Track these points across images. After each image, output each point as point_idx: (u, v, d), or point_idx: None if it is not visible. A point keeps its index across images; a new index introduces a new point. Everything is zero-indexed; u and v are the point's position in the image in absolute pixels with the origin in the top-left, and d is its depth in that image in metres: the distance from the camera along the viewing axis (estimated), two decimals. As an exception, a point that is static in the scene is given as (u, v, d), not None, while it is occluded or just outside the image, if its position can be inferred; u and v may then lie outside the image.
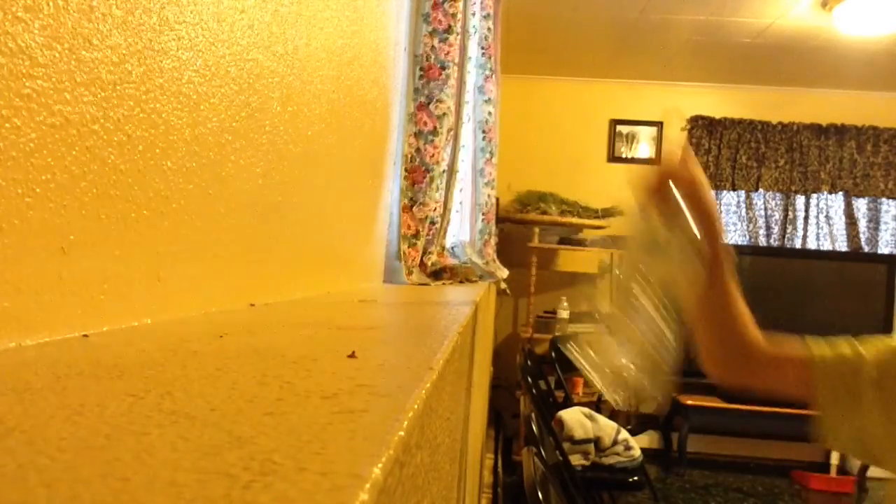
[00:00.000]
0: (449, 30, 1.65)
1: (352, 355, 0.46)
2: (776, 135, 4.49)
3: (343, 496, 0.20)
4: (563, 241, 4.08)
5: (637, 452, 2.64)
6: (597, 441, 2.58)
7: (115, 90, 0.49)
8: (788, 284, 4.17)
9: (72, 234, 0.46)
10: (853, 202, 4.47)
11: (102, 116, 0.48)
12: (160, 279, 0.57)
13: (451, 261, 1.92)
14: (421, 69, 1.63)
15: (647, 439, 4.37)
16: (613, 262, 4.29)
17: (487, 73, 2.54)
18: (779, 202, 4.51)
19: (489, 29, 2.50)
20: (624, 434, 2.65)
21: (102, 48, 0.47)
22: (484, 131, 2.58)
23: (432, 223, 1.68)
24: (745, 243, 4.45)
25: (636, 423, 3.76)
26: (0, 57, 0.38)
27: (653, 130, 4.57)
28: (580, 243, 4.08)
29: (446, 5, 1.65)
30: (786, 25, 3.41)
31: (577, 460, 2.46)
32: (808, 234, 4.49)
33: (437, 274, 1.70)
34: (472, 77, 2.45)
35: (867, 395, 0.82)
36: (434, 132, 1.62)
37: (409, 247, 1.59)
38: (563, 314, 3.89)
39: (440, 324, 0.76)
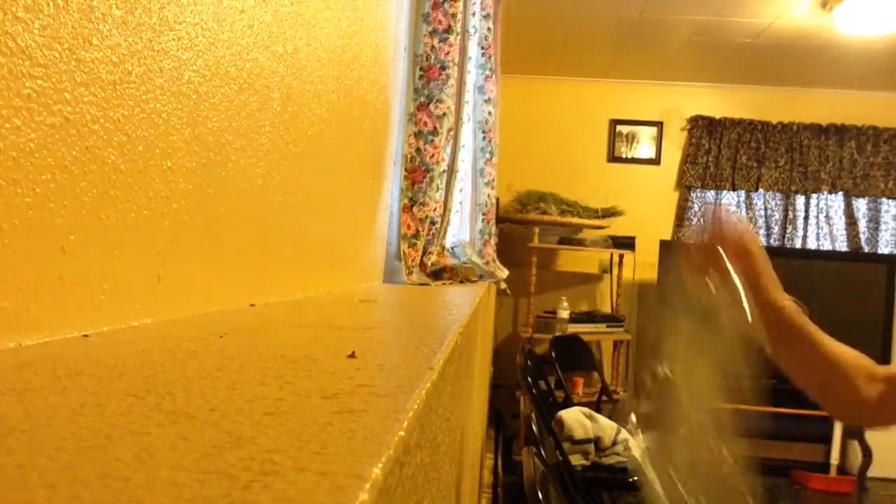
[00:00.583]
0: (449, 30, 1.65)
1: (352, 355, 0.46)
2: (776, 135, 4.49)
3: (343, 496, 0.20)
4: (563, 241, 4.08)
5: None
6: (597, 441, 2.58)
7: (115, 90, 0.49)
8: (788, 284, 4.15)
9: (72, 234, 0.45)
10: (853, 202, 4.47)
11: (102, 116, 0.48)
12: (160, 279, 0.57)
13: (451, 261, 1.92)
14: (421, 69, 1.63)
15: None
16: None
17: (487, 73, 2.54)
18: (779, 202, 4.51)
19: (489, 29, 2.50)
20: (624, 434, 2.64)
21: (102, 48, 0.47)
22: (484, 131, 2.58)
23: (432, 223, 1.68)
24: (745, 243, 4.45)
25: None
26: (0, 57, 0.38)
27: (653, 130, 4.57)
28: (580, 243, 4.08)
29: (446, 5, 1.65)
30: (786, 25, 3.41)
31: (577, 460, 2.45)
32: (808, 234, 4.49)
33: (437, 274, 1.70)
34: (472, 77, 2.45)
35: None
36: (434, 132, 1.62)
37: (409, 247, 1.59)
38: (563, 314, 3.89)
39: (440, 324, 0.76)
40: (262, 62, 0.74)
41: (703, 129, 4.50)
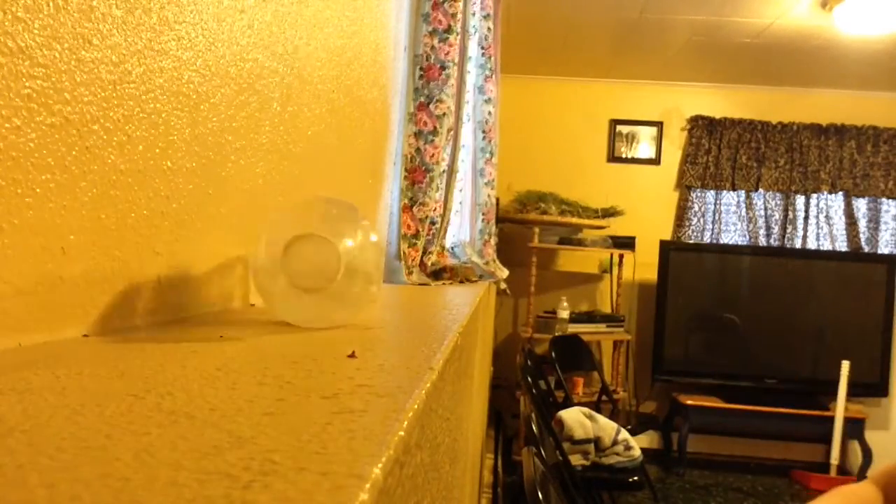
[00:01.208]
0: (449, 30, 1.65)
1: (352, 355, 0.46)
2: (776, 135, 4.49)
3: (343, 496, 0.20)
4: (563, 241, 4.08)
5: (637, 452, 2.64)
6: (597, 441, 2.58)
7: (115, 90, 0.49)
8: (788, 284, 4.17)
9: (72, 234, 0.45)
10: (853, 202, 4.47)
11: (102, 116, 0.48)
12: (160, 279, 0.57)
13: (451, 261, 1.92)
14: (421, 69, 1.63)
15: (647, 439, 4.37)
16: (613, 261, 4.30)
17: (487, 72, 2.54)
18: (779, 202, 4.51)
19: (489, 29, 2.50)
20: (624, 434, 2.65)
21: (102, 48, 0.47)
22: (484, 131, 2.58)
23: (432, 223, 1.68)
24: (745, 243, 4.45)
25: (636, 422, 3.76)
26: (0, 57, 0.38)
27: (653, 130, 4.57)
28: (580, 243, 4.08)
29: (446, 5, 1.65)
30: (786, 25, 3.41)
31: (577, 460, 2.46)
32: (808, 234, 4.49)
33: (437, 274, 1.70)
34: (472, 77, 2.45)
35: None
36: (434, 132, 1.62)
37: (409, 247, 1.59)
38: (563, 314, 3.89)
39: (440, 324, 0.76)
40: (262, 62, 0.74)
41: (703, 129, 4.51)
